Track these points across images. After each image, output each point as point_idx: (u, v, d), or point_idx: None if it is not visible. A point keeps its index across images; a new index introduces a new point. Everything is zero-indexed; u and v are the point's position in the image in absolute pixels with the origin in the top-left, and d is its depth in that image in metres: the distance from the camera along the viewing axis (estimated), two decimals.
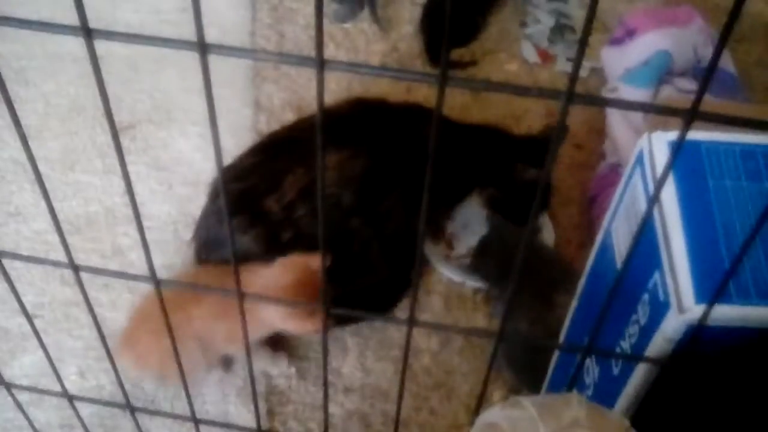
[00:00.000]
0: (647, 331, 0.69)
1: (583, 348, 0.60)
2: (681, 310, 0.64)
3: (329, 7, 1.70)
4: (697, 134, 0.74)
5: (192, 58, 0.42)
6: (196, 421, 0.78)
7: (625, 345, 0.75)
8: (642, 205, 0.74)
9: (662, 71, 1.36)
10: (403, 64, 1.65)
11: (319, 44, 0.39)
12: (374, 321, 1.29)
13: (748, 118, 0.40)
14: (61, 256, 0.60)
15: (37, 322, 0.73)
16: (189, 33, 0.40)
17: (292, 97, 1.57)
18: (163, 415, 1.13)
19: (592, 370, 0.85)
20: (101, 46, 0.43)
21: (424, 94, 1.50)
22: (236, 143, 1.30)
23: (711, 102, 1.24)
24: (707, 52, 1.39)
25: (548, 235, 1.36)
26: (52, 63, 1.60)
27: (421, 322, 0.59)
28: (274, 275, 1.07)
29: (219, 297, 1.07)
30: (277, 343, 1.23)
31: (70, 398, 0.79)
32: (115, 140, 0.49)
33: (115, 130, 0.48)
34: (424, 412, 1.21)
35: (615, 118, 1.39)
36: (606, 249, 0.84)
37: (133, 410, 0.78)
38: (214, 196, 1.26)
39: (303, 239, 1.16)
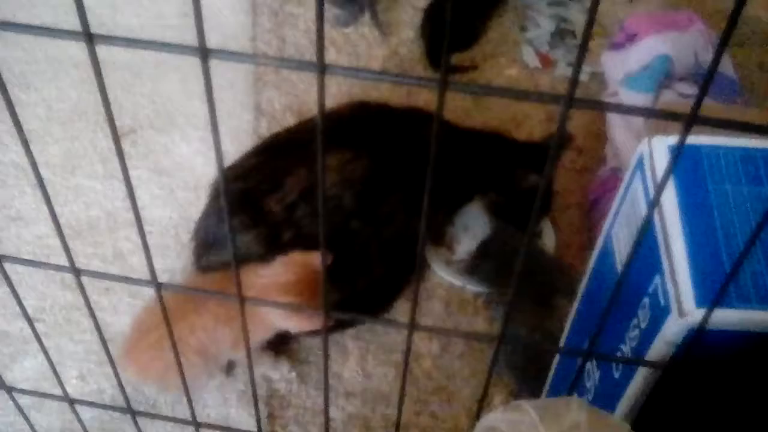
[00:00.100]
0: (648, 335, 0.69)
1: (583, 352, 0.61)
2: (681, 314, 0.65)
3: (330, 12, 1.70)
4: (697, 138, 0.74)
5: (193, 63, 0.43)
6: (197, 425, 0.78)
7: (626, 349, 0.75)
8: (642, 210, 0.75)
9: (662, 76, 1.36)
10: (403, 68, 1.65)
11: (320, 49, 0.39)
12: (375, 325, 1.29)
13: (748, 122, 0.41)
14: (62, 261, 0.61)
15: (38, 326, 0.73)
16: (190, 38, 0.41)
17: (293, 101, 1.57)
18: (164, 419, 1.13)
19: (592, 374, 0.85)
20: (102, 50, 0.44)
21: (424, 98, 1.50)
22: (237, 148, 1.30)
23: (711, 106, 1.24)
24: (707, 57, 1.39)
25: (549, 239, 1.36)
26: (53, 67, 1.60)
27: (422, 326, 0.59)
28: (274, 274, 1.07)
29: (222, 303, 1.07)
30: (279, 347, 1.23)
31: (71, 402, 0.79)
32: (117, 145, 0.49)
33: (116, 135, 0.48)
34: (424, 416, 1.21)
35: (615, 123, 1.39)
36: (606, 253, 0.84)
37: (134, 414, 0.78)
38: (214, 195, 1.26)
39: (304, 240, 1.16)
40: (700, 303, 0.65)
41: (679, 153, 0.42)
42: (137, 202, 0.54)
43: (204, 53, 0.41)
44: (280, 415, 1.20)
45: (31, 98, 1.55)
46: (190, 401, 0.75)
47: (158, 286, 0.60)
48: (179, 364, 0.70)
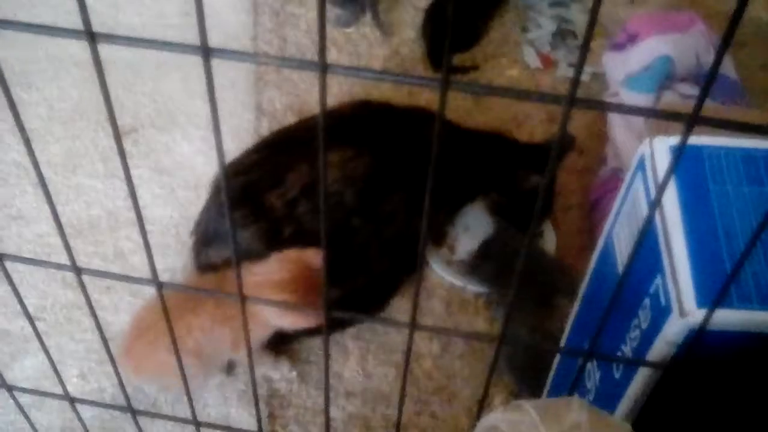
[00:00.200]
0: (649, 336, 0.69)
1: (584, 352, 0.61)
2: (682, 314, 0.65)
3: (332, 12, 1.70)
4: (698, 139, 0.74)
5: (194, 62, 0.43)
6: (198, 424, 0.78)
7: (627, 349, 0.75)
8: (643, 210, 0.75)
9: (664, 76, 1.36)
10: (404, 68, 1.65)
11: (322, 48, 0.40)
12: (375, 324, 1.29)
13: (749, 123, 0.41)
14: (63, 259, 0.61)
15: (38, 325, 0.73)
16: (192, 37, 0.41)
17: (295, 101, 1.57)
18: (165, 418, 1.13)
19: (593, 374, 0.85)
20: (104, 49, 0.44)
21: (425, 98, 1.50)
22: (238, 147, 1.30)
23: (712, 107, 1.24)
24: (709, 58, 1.39)
25: (550, 240, 1.36)
26: (54, 66, 1.60)
27: (423, 326, 0.59)
28: (268, 271, 1.06)
29: (219, 303, 1.07)
30: (280, 347, 1.23)
31: (72, 401, 0.79)
32: (119, 144, 0.49)
33: (118, 134, 0.48)
34: (425, 416, 1.21)
35: (616, 123, 1.39)
36: (607, 253, 0.84)
37: (134, 413, 0.78)
38: (216, 190, 1.26)
39: (304, 236, 1.16)
40: (701, 303, 0.65)
41: (680, 153, 0.42)
42: (138, 201, 0.54)
43: (206, 52, 0.41)
44: (281, 415, 1.20)
45: (32, 97, 1.55)
46: (190, 400, 0.75)
47: (159, 286, 0.60)
48: (180, 363, 0.70)
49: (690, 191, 0.71)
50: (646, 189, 0.74)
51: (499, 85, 1.61)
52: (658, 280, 0.69)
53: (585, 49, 0.38)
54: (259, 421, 0.78)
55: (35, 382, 1.20)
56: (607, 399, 0.78)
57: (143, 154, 1.48)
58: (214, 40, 0.40)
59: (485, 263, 1.31)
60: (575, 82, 0.39)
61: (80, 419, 0.86)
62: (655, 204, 0.48)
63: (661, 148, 0.74)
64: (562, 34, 1.69)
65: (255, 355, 1.16)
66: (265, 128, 1.52)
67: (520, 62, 1.66)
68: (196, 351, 1.07)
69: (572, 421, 0.55)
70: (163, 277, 0.59)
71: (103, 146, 1.48)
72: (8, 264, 0.63)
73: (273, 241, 1.16)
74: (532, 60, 1.66)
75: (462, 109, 1.54)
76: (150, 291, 0.77)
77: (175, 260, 1.34)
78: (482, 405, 0.66)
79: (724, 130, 0.41)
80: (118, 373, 0.74)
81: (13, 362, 1.22)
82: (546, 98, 0.42)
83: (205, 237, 1.25)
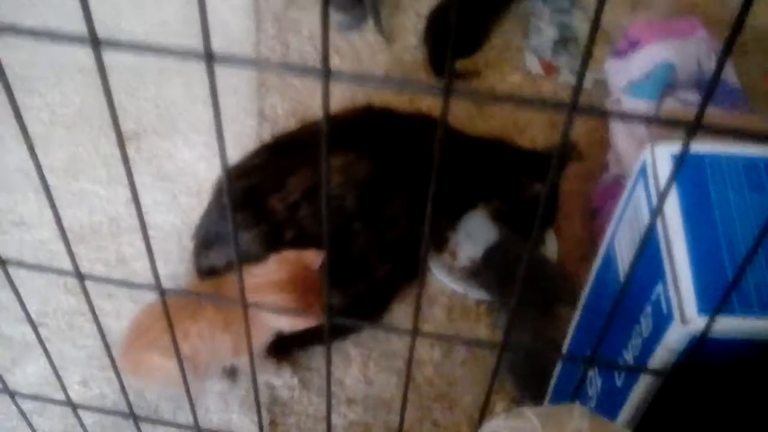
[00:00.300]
0: (650, 343, 0.69)
1: (586, 359, 0.61)
2: (684, 321, 0.65)
3: (334, 18, 1.71)
4: (700, 146, 0.74)
5: (196, 68, 0.43)
6: (199, 431, 0.78)
7: (628, 356, 0.75)
8: (645, 217, 0.75)
9: (665, 83, 1.36)
10: (407, 75, 1.65)
11: (325, 55, 0.40)
12: (377, 331, 1.29)
13: (751, 130, 0.41)
14: (65, 265, 0.61)
15: (40, 331, 0.73)
16: (194, 43, 0.41)
17: (297, 107, 1.58)
18: (166, 424, 1.13)
19: (595, 382, 0.85)
20: (106, 56, 0.44)
21: (427, 105, 1.51)
22: (240, 153, 1.30)
23: (714, 114, 1.24)
24: (710, 64, 1.39)
25: (551, 247, 1.36)
26: (57, 72, 1.61)
27: (424, 332, 0.59)
28: (267, 272, 1.07)
29: (219, 309, 1.07)
30: (282, 353, 1.23)
31: (74, 407, 0.79)
32: (122, 150, 0.49)
33: (122, 140, 0.48)
34: (426, 423, 1.20)
35: (618, 130, 1.39)
36: (609, 260, 0.84)
37: (136, 419, 0.78)
38: (218, 193, 1.26)
39: (305, 239, 1.16)
40: (702, 310, 0.65)
41: (682, 160, 0.42)
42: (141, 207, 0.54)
43: (209, 58, 0.41)
44: (282, 422, 1.20)
45: (34, 103, 1.56)
46: (192, 407, 0.75)
47: (162, 292, 0.60)
48: (176, 368, 0.70)
49: (691, 198, 0.71)
50: (647, 196, 0.75)
51: (500, 91, 1.61)
52: (659, 287, 0.69)
53: (587, 56, 0.38)
54: (260, 427, 0.78)
55: (37, 387, 1.20)
56: (608, 406, 0.78)
57: (145, 160, 1.48)
58: (217, 46, 0.40)
59: (487, 270, 1.31)
60: (577, 89, 0.39)
61: (82, 425, 0.86)
62: (657, 211, 0.48)
63: (662, 155, 0.74)
64: (563, 41, 1.69)
65: (257, 361, 1.16)
66: (267, 134, 1.52)
67: (522, 69, 1.66)
68: (192, 357, 1.07)
69: (574, 428, 0.55)
70: (165, 283, 0.59)
71: (105, 152, 1.49)
72: (10, 270, 0.63)
73: (274, 245, 1.16)
74: (534, 66, 1.66)
75: (463, 115, 1.54)
76: (152, 297, 0.77)
77: (177, 266, 1.34)
78: (484, 412, 0.66)
79: (726, 138, 0.41)
80: (120, 379, 0.74)
81: (15, 368, 1.22)
82: (548, 105, 0.43)
83: (206, 240, 1.25)
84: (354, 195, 1.20)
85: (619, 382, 0.77)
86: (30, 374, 1.22)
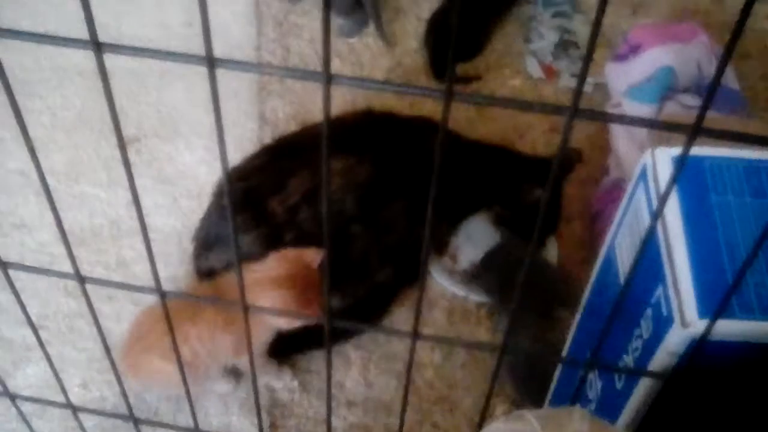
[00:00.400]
0: (650, 346, 0.69)
1: (586, 362, 0.61)
2: (684, 324, 0.65)
3: (335, 22, 1.71)
4: (700, 150, 0.74)
5: (198, 71, 0.43)
6: None
7: (628, 359, 0.75)
8: (645, 221, 0.75)
9: (666, 87, 1.36)
10: (407, 78, 1.65)
11: (326, 59, 0.40)
12: (377, 334, 1.29)
13: (751, 134, 0.41)
14: (65, 268, 0.61)
15: (41, 334, 0.73)
16: (195, 47, 0.41)
17: (297, 111, 1.58)
18: (166, 426, 1.13)
19: (595, 385, 0.85)
20: (108, 59, 0.44)
21: (428, 108, 1.51)
22: (241, 156, 1.30)
23: (714, 118, 1.24)
24: (711, 68, 1.39)
25: (552, 251, 1.36)
26: (58, 75, 1.61)
27: (425, 335, 0.59)
28: (266, 268, 1.07)
29: (220, 309, 1.07)
30: (282, 356, 1.23)
31: (74, 409, 0.79)
32: (123, 153, 0.49)
33: (123, 143, 0.49)
34: (426, 426, 1.20)
35: (619, 134, 1.39)
36: (609, 264, 0.84)
37: (136, 422, 0.78)
38: (218, 195, 1.26)
39: (305, 242, 1.17)
40: (702, 313, 0.65)
41: (682, 164, 0.42)
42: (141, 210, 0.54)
43: (211, 62, 0.42)
44: (282, 425, 1.20)
45: (35, 106, 1.56)
46: (192, 409, 0.75)
47: (162, 294, 0.60)
48: (176, 371, 0.70)
49: (692, 202, 0.71)
50: (648, 199, 0.75)
51: (501, 95, 1.62)
52: (659, 291, 0.69)
53: (588, 59, 0.38)
54: (260, 430, 0.78)
55: (37, 390, 1.20)
56: (608, 409, 0.78)
57: (146, 163, 1.48)
58: (218, 50, 0.40)
59: (487, 273, 1.31)
60: (578, 92, 0.39)
61: (82, 428, 0.86)
62: (657, 214, 0.48)
63: (663, 159, 0.75)
64: (564, 45, 1.69)
65: (258, 362, 1.17)
66: (268, 138, 1.52)
67: (523, 72, 1.66)
68: (192, 360, 1.07)
69: (574, 431, 0.55)
70: (165, 286, 0.59)
71: (105, 155, 1.49)
72: (11, 272, 0.63)
73: (274, 247, 1.16)
74: (535, 70, 1.66)
75: (464, 118, 1.55)
76: (152, 300, 0.76)
77: (177, 269, 1.34)
78: (484, 415, 0.66)
79: (727, 141, 0.41)
80: (120, 382, 0.74)
81: (15, 371, 1.23)
82: (549, 109, 0.43)
83: (206, 242, 1.25)
84: (354, 198, 1.21)
85: (619, 385, 0.77)
86: (30, 377, 1.22)
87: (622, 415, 0.75)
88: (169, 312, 0.63)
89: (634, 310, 0.74)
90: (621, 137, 1.38)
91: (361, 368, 1.26)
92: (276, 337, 1.14)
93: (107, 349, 0.69)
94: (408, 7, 1.77)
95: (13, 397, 0.80)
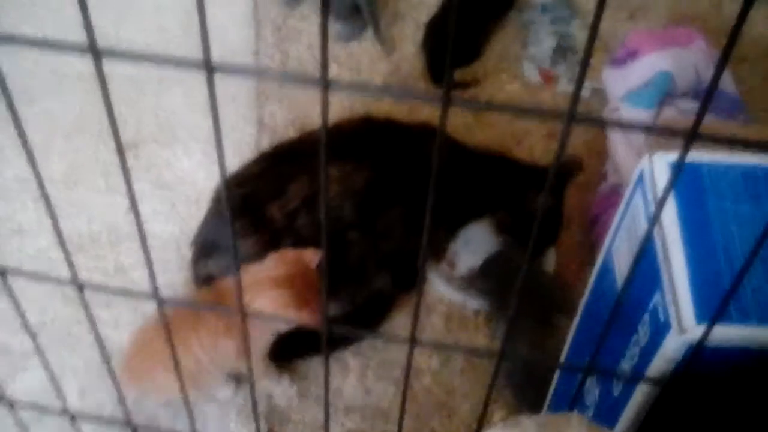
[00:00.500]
0: (648, 352, 0.69)
1: (583, 368, 0.61)
2: (681, 330, 0.65)
3: (333, 27, 1.71)
4: (698, 155, 0.75)
5: (195, 77, 0.43)
6: None
7: (626, 365, 0.75)
8: (643, 226, 0.75)
9: (664, 92, 1.36)
10: (405, 84, 1.66)
11: (324, 65, 0.40)
12: (375, 340, 1.29)
13: (749, 139, 0.41)
14: (63, 274, 0.61)
15: (38, 340, 0.73)
16: (193, 52, 0.41)
17: (296, 116, 1.58)
18: None
19: (592, 391, 0.85)
20: (106, 65, 0.44)
21: (426, 114, 1.51)
22: (239, 162, 1.30)
23: (712, 123, 1.24)
24: (708, 73, 1.40)
25: (549, 256, 1.36)
26: (56, 81, 1.61)
27: (423, 341, 0.59)
28: (265, 269, 1.07)
29: (220, 315, 1.07)
30: (281, 362, 1.23)
31: (72, 416, 0.79)
32: (122, 159, 0.49)
33: (121, 149, 0.48)
34: None
35: (616, 139, 1.39)
36: (607, 269, 0.84)
37: (134, 429, 0.78)
38: (216, 200, 1.26)
39: (303, 247, 1.17)
40: (700, 319, 0.65)
41: (679, 170, 0.42)
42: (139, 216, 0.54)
43: (209, 68, 0.41)
44: (280, 431, 1.20)
45: (33, 111, 1.56)
46: (191, 417, 0.75)
47: (160, 301, 0.60)
48: (181, 382, 0.70)
49: (689, 207, 0.71)
50: (645, 205, 0.75)
51: (499, 100, 1.62)
52: (657, 296, 0.69)
53: (585, 64, 0.38)
54: None
55: (35, 397, 1.19)
56: (606, 415, 0.78)
57: (144, 168, 1.48)
58: (216, 55, 0.40)
59: (485, 280, 1.31)
60: (575, 98, 0.39)
61: None
62: (655, 220, 0.48)
63: (660, 164, 0.75)
64: (562, 50, 1.69)
65: (259, 365, 1.17)
66: (266, 143, 1.52)
67: (521, 77, 1.66)
68: (195, 370, 1.07)
69: None
70: (164, 292, 0.59)
71: (104, 161, 1.49)
72: (9, 278, 0.63)
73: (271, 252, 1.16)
74: (533, 75, 1.66)
75: (462, 124, 1.55)
76: (150, 307, 0.76)
77: (175, 275, 1.34)
78: (482, 421, 0.66)
79: (724, 147, 0.41)
80: (118, 389, 0.74)
81: (13, 377, 1.22)
82: (546, 114, 0.43)
83: (204, 248, 1.25)
84: (352, 204, 1.21)
85: (616, 391, 0.77)
86: (28, 383, 1.22)
87: (620, 421, 0.75)
88: (170, 321, 0.63)
89: (631, 315, 0.74)
90: (619, 142, 1.38)
91: (359, 375, 1.25)
92: (276, 341, 1.14)
93: (105, 355, 0.69)
94: (406, 11, 1.78)
95: (10, 404, 0.80)
